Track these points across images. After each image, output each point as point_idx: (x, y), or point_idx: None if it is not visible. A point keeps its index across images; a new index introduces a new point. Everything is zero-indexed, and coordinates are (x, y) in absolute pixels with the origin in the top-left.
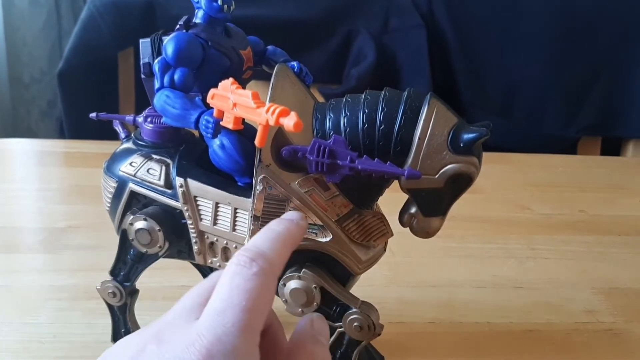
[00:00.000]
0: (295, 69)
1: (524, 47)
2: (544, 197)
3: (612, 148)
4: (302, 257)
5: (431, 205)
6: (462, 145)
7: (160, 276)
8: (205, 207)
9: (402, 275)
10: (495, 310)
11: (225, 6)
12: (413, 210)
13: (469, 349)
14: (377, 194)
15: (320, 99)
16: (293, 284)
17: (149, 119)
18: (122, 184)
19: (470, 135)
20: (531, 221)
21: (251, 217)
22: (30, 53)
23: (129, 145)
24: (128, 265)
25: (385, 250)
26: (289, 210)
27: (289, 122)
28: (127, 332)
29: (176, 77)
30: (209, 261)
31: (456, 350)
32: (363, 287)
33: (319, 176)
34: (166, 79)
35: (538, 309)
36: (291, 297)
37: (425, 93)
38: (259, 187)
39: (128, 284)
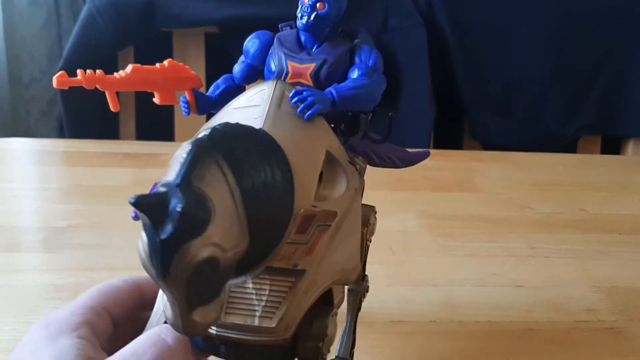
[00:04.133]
0: (291, 99)
1: (523, 46)
2: (544, 195)
3: (612, 147)
4: None
5: None
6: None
7: None
8: None
9: (402, 275)
10: (495, 309)
11: (299, 15)
12: None
13: (469, 347)
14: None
15: None
16: None
17: None
18: None
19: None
20: (531, 220)
21: None
22: (29, 52)
23: None
24: None
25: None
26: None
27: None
28: None
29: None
30: None
31: (456, 349)
32: None
33: None
34: None
35: (538, 307)
36: None
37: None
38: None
39: None
